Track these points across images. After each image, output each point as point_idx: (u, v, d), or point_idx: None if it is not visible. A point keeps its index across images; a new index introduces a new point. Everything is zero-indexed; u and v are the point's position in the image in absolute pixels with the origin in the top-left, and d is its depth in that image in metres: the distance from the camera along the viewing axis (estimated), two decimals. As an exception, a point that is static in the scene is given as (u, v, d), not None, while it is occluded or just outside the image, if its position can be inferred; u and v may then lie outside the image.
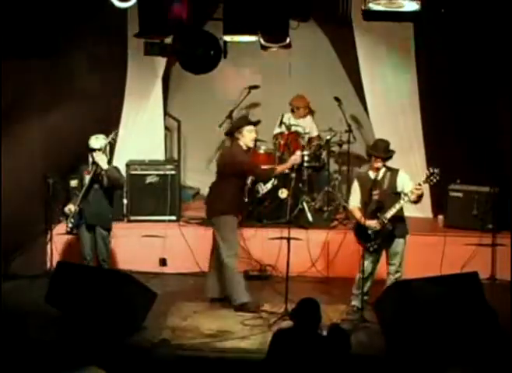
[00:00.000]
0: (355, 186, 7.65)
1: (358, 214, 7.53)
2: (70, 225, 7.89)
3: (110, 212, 8.07)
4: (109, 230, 8.04)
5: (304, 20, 7.47)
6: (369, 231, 7.41)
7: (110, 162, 7.93)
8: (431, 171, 7.24)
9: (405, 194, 7.29)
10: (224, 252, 7.72)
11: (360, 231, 7.52)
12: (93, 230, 7.95)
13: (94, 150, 7.84)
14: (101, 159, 7.79)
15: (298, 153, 8.15)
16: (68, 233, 8.03)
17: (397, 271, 7.50)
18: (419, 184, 7.27)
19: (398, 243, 7.48)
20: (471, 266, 8.31)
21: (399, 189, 7.45)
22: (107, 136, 7.96)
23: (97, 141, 7.87)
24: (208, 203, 8.01)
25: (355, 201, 7.64)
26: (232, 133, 7.96)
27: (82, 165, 8.05)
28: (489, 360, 6.20)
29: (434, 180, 7.28)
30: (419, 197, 7.33)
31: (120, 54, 9.54)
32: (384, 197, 7.46)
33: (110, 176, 7.83)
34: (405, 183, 7.46)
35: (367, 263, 7.49)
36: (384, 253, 7.56)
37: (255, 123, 7.93)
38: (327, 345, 5.53)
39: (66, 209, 7.93)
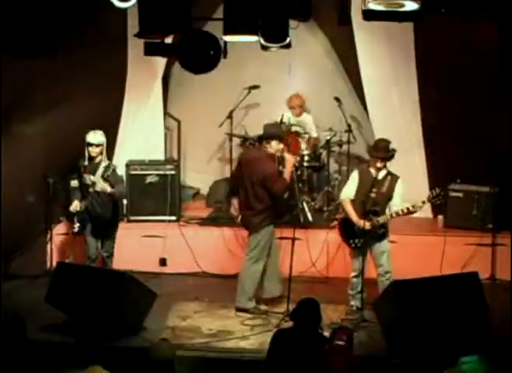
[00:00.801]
0: (355, 178, 7.62)
1: (349, 208, 7.51)
2: (76, 229, 7.87)
3: (116, 209, 8.09)
4: (118, 226, 8.10)
5: (304, 20, 7.47)
6: (356, 228, 7.41)
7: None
8: (437, 192, 7.27)
9: (413, 207, 7.28)
10: (254, 255, 7.73)
11: (346, 227, 7.53)
12: (101, 229, 7.95)
13: (92, 145, 7.85)
14: (103, 187, 7.73)
15: (286, 155, 8.01)
16: (74, 234, 8.00)
17: (386, 271, 7.50)
18: (423, 202, 7.31)
19: (382, 243, 7.49)
20: (471, 266, 8.31)
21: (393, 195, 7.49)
22: (105, 133, 7.97)
23: (95, 135, 7.88)
24: (248, 217, 7.80)
25: (348, 193, 7.61)
26: (261, 139, 7.91)
27: (79, 160, 8.01)
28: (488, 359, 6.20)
29: (439, 202, 7.34)
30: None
31: (120, 53, 9.54)
32: (380, 198, 7.47)
33: (117, 197, 7.89)
34: (397, 192, 7.48)
35: (356, 262, 7.50)
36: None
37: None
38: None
39: (73, 207, 7.86)
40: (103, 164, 7.91)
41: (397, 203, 7.42)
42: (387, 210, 7.43)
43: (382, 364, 6.47)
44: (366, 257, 7.54)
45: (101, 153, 7.92)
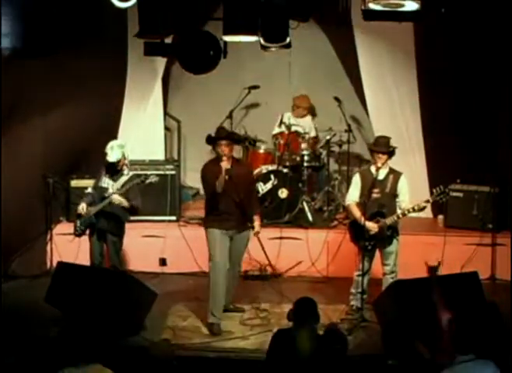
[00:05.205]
0: (357, 181, 7.58)
1: (357, 212, 7.46)
2: (78, 231, 7.71)
3: (122, 218, 7.81)
4: (121, 236, 7.81)
5: (304, 20, 7.47)
6: (365, 231, 7.39)
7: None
8: (441, 189, 7.24)
9: (418, 206, 7.29)
10: None
11: (356, 229, 7.50)
12: (104, 235, 7.75)
13: (111, 163, 7.60)
14: (119, 201, 7.54)
15: None
16: (76, 236, 7.83)
17: (392, 271, 7.49)
18: (427, 201, 7.30)
19: (392, 243, 7.48)
20: (471, 266, 8.31)
21: (398, 193, 7.47)
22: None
23: (112, 152, 7.57)
24: None
25: (353, 196, 7.57)
26: None
27: (103, 166, 7.79)
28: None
29: (444, 199, 7.32)
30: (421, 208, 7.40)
31: (120, 54, 9.55)
32: (385, 199, 7.44)
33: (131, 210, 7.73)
34: (402, 189, 7.46)
35: (363, 262, 7.49)
36: (378, 254, 7.57)
37: None
38: (323, 345, 5.52)
39: (80, 208, 7.67)
40: (125, 172, 7.71)
41: (404, 200, 7.39)
42: (397, 209, 7.42)
43: (381, 364, 6.47)
44: (374, 258, 7.55)
45: (123, 164, 7.70)
